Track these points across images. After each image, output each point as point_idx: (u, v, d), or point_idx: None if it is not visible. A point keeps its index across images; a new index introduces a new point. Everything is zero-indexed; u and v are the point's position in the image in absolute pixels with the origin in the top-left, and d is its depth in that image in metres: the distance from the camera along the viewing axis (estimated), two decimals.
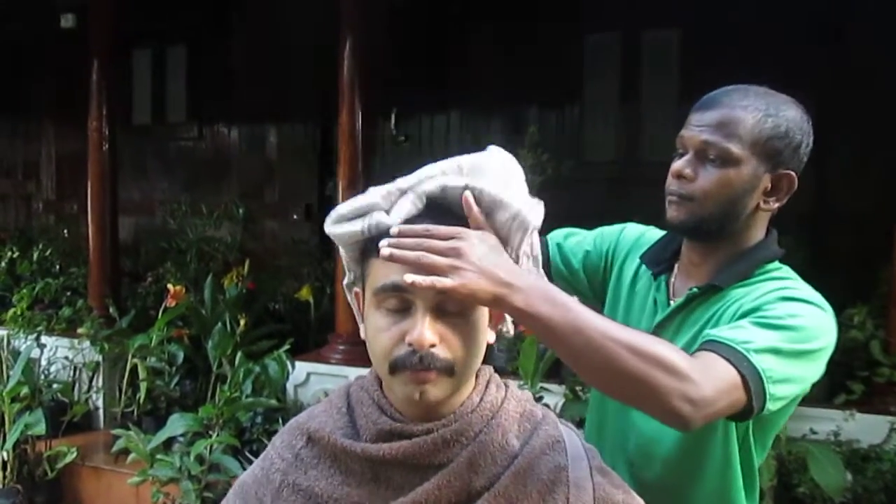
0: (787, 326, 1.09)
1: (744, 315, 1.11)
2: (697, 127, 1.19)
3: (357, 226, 0.93)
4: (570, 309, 0.94)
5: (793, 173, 1.20)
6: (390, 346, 0.91)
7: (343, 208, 0.95)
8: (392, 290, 0.90)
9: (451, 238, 0.90)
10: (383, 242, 0.89)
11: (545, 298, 0.93)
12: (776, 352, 1.05)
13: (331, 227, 0.96)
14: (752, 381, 1.02)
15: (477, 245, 0.90)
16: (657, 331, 1.24)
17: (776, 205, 1.21)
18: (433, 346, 0.89)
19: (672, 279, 1.31)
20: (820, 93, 3.86)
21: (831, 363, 3.12)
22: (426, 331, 0.89)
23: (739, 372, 1.01)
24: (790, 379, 1.07)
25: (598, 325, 0.95)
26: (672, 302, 1.27)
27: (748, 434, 1.21)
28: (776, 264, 1.23)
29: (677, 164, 1.20)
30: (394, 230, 0.90)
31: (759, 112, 1.17)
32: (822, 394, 2.94)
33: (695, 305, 1.23)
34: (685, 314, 1.24)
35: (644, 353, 0.95)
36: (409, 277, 0.87)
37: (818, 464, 2.41)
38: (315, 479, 0.95)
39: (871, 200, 3.55)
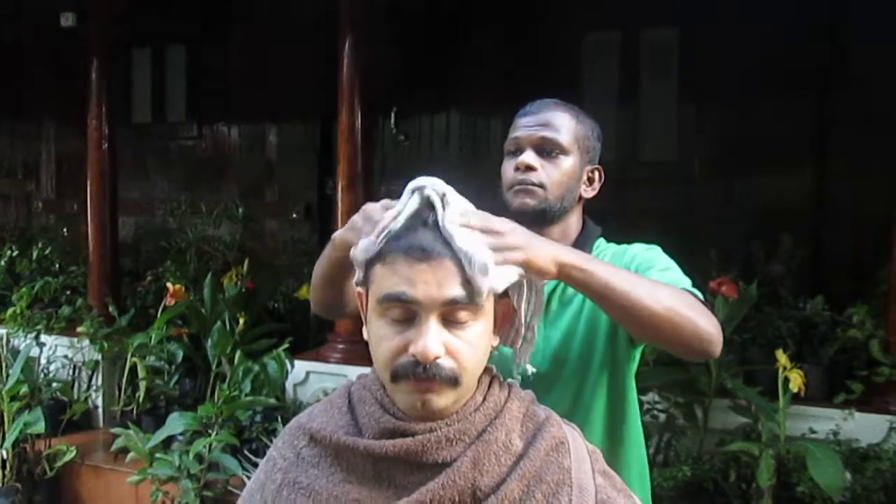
0: (672, 266, 1.33)
1: (636, 271, 1.29)
2: (531, 128, 1.36)
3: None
4: (619, 268, 1.14)
5: (600, 168, 1.43)
6: (393, 355, 0.91)
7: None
8: (397, 300, 0.90)
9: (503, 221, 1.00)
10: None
11: (592, 258, 1.12)
12: (692, 284, 1.28)
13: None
14: (707, 304, 1.22)
15: (518, 224, 1.02)
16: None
17: (592, 194, 1.42)
18: (437, 357, 0.89)
19: None
20: (819, 92, 3.88)
21: (831, 362, 3.12)
22: (431, 342, 0.88)
23: (703, 304, 1.21)
24: None
25: (643, 281, 1.14)
26: None
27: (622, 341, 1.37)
28: (601, 238, 1.45)
29: (523, 157, 1.34)
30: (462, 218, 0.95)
31: (572, 117, 1.38)
32: (822, 393, 2.95)
33: (564, 285, 1.35)
34: (560, 293, 1.38)
35: (686, 305, 1.12)
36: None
37: (817, 463, 2.41)
38: (315, 477, 0.95)
39: (871, 199, 3.55)
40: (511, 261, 0.96)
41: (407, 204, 0.95)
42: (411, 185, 0.97)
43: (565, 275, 1.06)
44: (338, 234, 1.14)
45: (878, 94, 3.60)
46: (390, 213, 0.95)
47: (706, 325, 1.13)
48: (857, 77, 3.70)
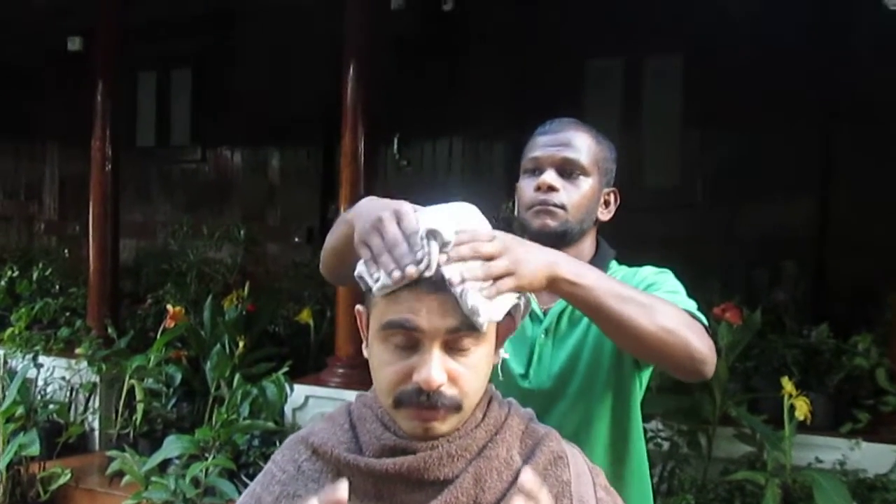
0: (679, 290, 1.31)
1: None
2: (552, 147, 1.34)
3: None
4: (616, 281, 1.11)
5: (616, 190, 1.41)
6: (396, 382, 0.90)
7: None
8: (399, 327, 0.89)
9: (493, 238, 0.93)
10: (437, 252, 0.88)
11: (587, 267, 1.07)
12: (697, 308, 1.26)
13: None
14: (707, 328, 1.20)
15: (510, 238, 0.97)
16: (547, 335, 1.35)
17: (608, 216, 1.41)
18: (441, 385, 0.88)
19: None
20: (823, 118, 3.89)
21: (836, 390, 3.08)
22: (435, 372, 0.87)
23: (704, 327, 1.18)
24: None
25: (640, 296, 1.09)
26: (544, 308, 1.38)
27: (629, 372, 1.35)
28: (614, 261, 1.43)
29: (545, 177, 1.32)
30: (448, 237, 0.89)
31: (592, 138, 1.36)
32: (828, 422, 2.92)
33: (573, 307, 1.33)
34: (570, 312, 1.36)
35: (681, 324, 1.10)
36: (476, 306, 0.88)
37: (824, 493, 2.37)
38: (315, 491, 0.92)
39: (876, 227, 3.54)
40: (504, 290, 0.92)
41: (430, 254, 0.89)
42: (428, 226, 0.90)
43: (555, 288, 1.02)
44: (356, 219, 1.01)
45: (882, 121, 3.60)
46: (414, 266, 0.89)
47: (699, 345, 1.11)
48: (861, 103, 3.71)
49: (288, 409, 3.53)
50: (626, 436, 1.38)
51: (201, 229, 4.98)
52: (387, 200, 0.98)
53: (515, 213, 1.40)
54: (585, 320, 1.34)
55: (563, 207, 1.32)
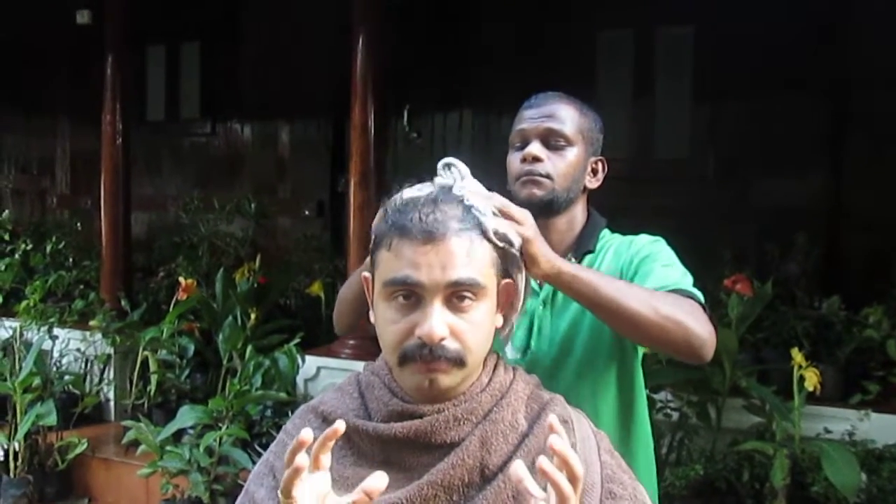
0: (674, 262, 1.34)
1: (640, 263, 1.33)
2: (537, 119, 1.37)
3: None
4: (611, 277, 1.20)
5: (603, 159, 1.44)
6: (400, 339, 0.92)
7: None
8: (402, 284, 0.91)
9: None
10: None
11: (589, 269, 1.18)
12: (692, 283, 1.30)
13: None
14: (705, 307, 1.25)
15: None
16: (545, 306, 1.38)
17: (596, 185, 1.43)
18: (443, 339, 0.90)
19: None
20: (835, 91, 3.85)
21: (847, 362, 3.07)
22: (436, 325, 0.89)
23: (701, 305, 1.23)
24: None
25: (634, 288, 1.18)
26: (539, 281, 1.45)
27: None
28: (606, 229, 1.46)
29: (530, 148, 1.35)
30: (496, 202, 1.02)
31: (576, 109, 1.39)
32: (837, 393, 2.92)
33: None
34: None
35: (678, 309, 1.16)
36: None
37: (833, 463, 2.38)
38: (326, 458, 0.95)
39: (886, 200, 3.51)
40: (518, 231, 1.02)
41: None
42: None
43: (559, 281, 1.11)
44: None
45: (894, 94, 3.56)
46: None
47: (698, 329, 1.16)
48: (873, 76, 3.66)
49: (300, 379, 3.56)
50: (632, 403, 1.40)
51: (212, 203, 4.99)
52: None
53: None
54: None
55: (548, 177, 1.34)
